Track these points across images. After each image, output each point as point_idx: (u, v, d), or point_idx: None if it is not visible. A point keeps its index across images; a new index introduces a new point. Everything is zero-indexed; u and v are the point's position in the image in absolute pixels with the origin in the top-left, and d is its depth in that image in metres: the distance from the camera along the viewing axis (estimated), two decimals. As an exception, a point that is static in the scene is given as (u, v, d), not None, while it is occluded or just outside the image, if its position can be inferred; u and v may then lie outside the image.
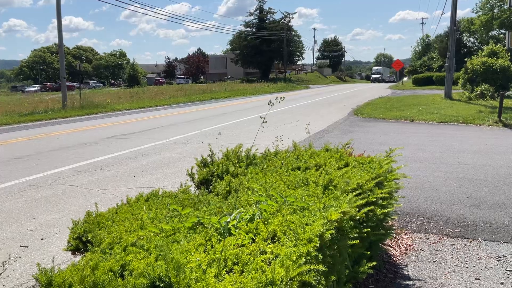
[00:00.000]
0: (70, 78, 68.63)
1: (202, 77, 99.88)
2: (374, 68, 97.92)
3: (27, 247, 4.24)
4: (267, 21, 77.59)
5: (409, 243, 4.45)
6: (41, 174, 7.32)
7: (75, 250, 2.43)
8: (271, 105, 3.28)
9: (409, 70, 69.66)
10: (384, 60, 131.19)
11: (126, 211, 2.60)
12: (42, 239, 4.45)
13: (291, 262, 1.75)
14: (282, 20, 77.59)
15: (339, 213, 2.21)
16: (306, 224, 2.15)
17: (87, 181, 6.81)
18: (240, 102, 27.99)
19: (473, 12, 36.57)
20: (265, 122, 3.85)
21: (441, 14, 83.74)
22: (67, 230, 4.63)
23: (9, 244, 4.32)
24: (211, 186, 3.48)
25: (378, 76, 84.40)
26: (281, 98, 3.60)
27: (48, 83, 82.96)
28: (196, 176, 3.70)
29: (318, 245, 1.93)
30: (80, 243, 2.37)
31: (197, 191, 3.56)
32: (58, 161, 8.54)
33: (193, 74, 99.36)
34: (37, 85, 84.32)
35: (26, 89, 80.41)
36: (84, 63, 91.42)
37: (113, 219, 2.45)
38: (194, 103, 28.95)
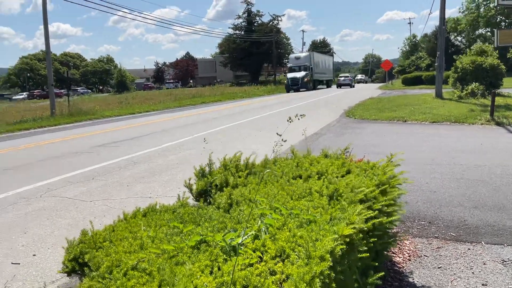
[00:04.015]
0: (58, 85, 67.97)
1: (191, 81, 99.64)
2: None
3: (19, 263, 4.08)
4: (255, 24, 77.69)
5: (412, 248, 4.37)
6: (31, 186, 7.14)
7: (71, 272, 2.30)
8: (290, 121, 3.21)
9: (398, 70, 69.80)
10: (372, 61, 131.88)
11: (124, 228, 2.48)
12: (34, 255, 4.29)
13: (305, 284, 1.64)
14: (271, 23, 77.72)
15: (351, 228, 2.11)
16: (316, 240, 2.05)
17: (79, 192, 6.64)
18: (231, 105, 27.88)
19: (460, 12, 36.93)
20: (291, 121, 3.70)
21: (429, 14, 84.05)
22: (60, 245, 4.48)
23: (0, 261, 4.16)
24: (210, 198, 3.36)
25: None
26: (301, 115, 3.52)
27: (35, 91, 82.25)
28: (194, 187, 3.58)
29: (331, 263, 1.83)
30: (76, 265, 2.24)
31: (195, 203, 3.44)
32: (48, 171, 8.35)
33: (182, 78, 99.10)
34: (24, 93, 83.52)
35: (14, 97, 79.57)
36: (72, 69, 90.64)
37: (110, 238, 2.33)
38: (184, 108, 28.76)
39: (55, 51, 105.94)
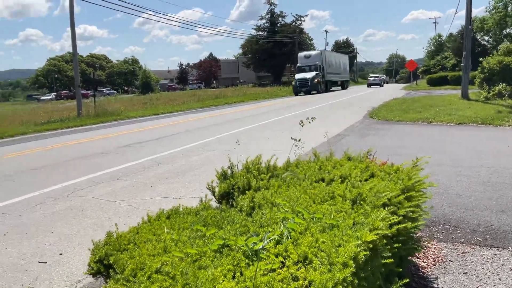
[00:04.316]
0: (84, 86, 69.38)
1: (214, 82, 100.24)
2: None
3: (45, 263, 4.18)
4: (278, 25, 77.67)
5: (436, 253, 4.30)
6: (58, 186, 7.31)
7: (96, 274, 2.35)
8: (302, 125, 3.18)
9: (423, 70, 68.61)
10: (397, 61, 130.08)
11: (148, 230, 2.52)
12: (61, 254, 4.39)
13: (327, 291, 1.64)
14: (294, 23, 77.58)
15: (375, 234, 2.09)
16: (339, 245, 2.04)
17: (104, 192, 6.77)
18: (253, 106, 27.92)
19: (486, 11, 36.07)
20: (301, 129, 3.59)
21: (455, 13, 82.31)
22: (85, 244, 4.58)
23: (27, 260, 4.27)
24: (232, 200, 3.38)
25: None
26: (311, 118, 3.49)
27: (63, 92, 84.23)
28: (217, 190, 3.61)
29: (354, 270, 1.82)
30: (101, 267, 2.29)
31: (218, 205, 3.47)
32: (75, 171, 8.53)
33: (206, 79, 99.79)
34: (52, 94, 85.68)
35: (41, 98, 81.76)
36: (98, 71, 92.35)
37: (134, 240, 2.37)
38: (207, 109, 28.97)
39: (81, 53, 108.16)
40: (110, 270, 2.13)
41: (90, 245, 4.42)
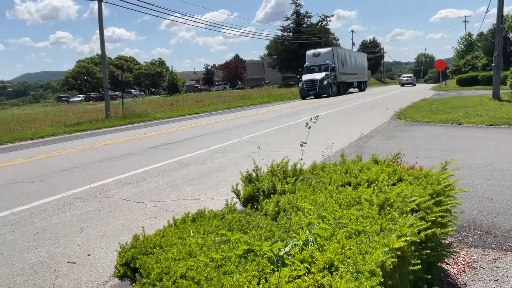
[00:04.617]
0: (112, 87, 70.65)
1: (240, 83, 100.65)
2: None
3: (74, 263, 4.26)
4: (304, 25, 77.43)
5: (467, 259, 4.18)
6: (87, 187, 7.45)
7: (122, 277, 2.37)
8: (309, 127, 3.12)
9: (452, 70, 67.16)
10: (425, 60, 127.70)
11: (173, 234, 2.53)
12: (89, 254, 4.47)
13: (354, 300, 1.61)
14: (319, 24, 77.19)
15: (402, 241, 2.05)
16: (366, 252, 2.00)
17: (132, 193, 6.86)
18: (279, 107, 27.88)
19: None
20: (309, 127, 3.48)
21: (486, 12, 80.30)
22: (113, 245, 4.65)
23: (57, 260, 4.37)
24: (257, 204, 3.37)
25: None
26: (315, 117, 3.40)
27: (92, 93, 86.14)
28: (242, 193, 3.60)
29: (382, 279, 1.78)
30: (128, 270, 2.31)
31: (243, 208, 3.46)
32: (103, 172, 8.69)
33: (231, 80, 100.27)
34: (81, 95, 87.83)
35: (71, 99, 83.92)
36: (125, 72, 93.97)
37: (160, 244, 2.38)
38: (233, 110, 29.08)
39: (110, 55, 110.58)
40: (136, 274, 2.15)
41: (117, 246, 4.49)
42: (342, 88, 42.51)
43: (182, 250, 2.22)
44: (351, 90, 47.93)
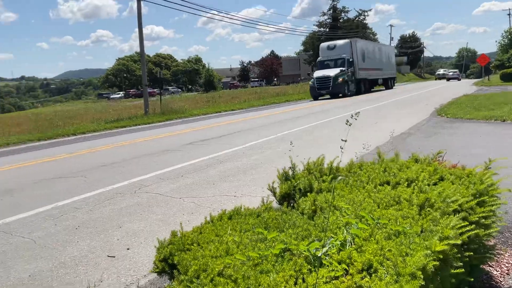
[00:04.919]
0: (150, 84, 72.11)
1: (275, 79, 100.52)
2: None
3: (114, 257, 4.37)
4: (341, 20, 76.45)
5: (511, 262, 4.01)
6: (126, 182, 7.63)
7: (161, 272, 2.41)
8: (349, 124, 3.04)
9: (496, 64, 64.57)
10: (467, 55, 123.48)
11: (210, 231, 2.55)
12: (128, 249, 4.57)
13: (394, 304, 1.57)
14: (357, 18, 75.97)
15: (445, 244, 1.98)
16: (406, 254, 1.94)
17: (169, 189, 6.97)
18: (314, 103, 27.65)
19: None
20: (350, 124, 3.32)
21: (532, 3, 76.41)
22: (151, 240, 4.75)
23: (97, 253, 4.49)
24: (293, 202, 3.35)
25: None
26: (356, 114, 3.30)
27: (131, 90, 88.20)
28: (278, 191, 3.59)
29: (423, 282, 1.73)
30: (166, 266, 2.35)
31: (279, 206, 3.45)
32: (142, 168, 8.88)
33: (267, 76, 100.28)
34: (121, 92, 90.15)
35: (111, 96, 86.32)
36: (163, 70, 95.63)
37: (198, 240, 2.40)
38: (268, 107, 29.09)
39: (148, 53, 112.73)
40: (174, 270, 2.18)
41: (155, 241, 4.57)
42: (363, 86, 37.29)
43: (219, 247, 2.23)
44: (376, 87, 43.30)
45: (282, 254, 2.11)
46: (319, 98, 32.52)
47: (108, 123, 22.20)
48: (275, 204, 3.50)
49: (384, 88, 44.01)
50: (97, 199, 6.65)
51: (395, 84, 49.72)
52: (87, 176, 8.50)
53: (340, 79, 32.07)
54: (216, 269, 1.96)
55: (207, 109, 29.26)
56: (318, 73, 33.16)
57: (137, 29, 26.64)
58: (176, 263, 2.21)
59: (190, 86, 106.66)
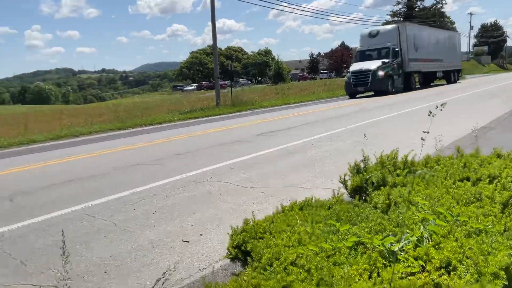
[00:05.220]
0: (222, 77, 73.70)
1: (345, 71, 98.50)
2: None
3: (188, 242, 4.55)
4: (416, 9, 73.19)
5: None
6: (199, 170, 7.89)
7: (234, 259, 2.49)
8: (433, 115, 2.90)
9: None
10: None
11: (282, 221, 2.59)
12: (201, 234, 4.74)
13: (474, 303, 1.51)
14: (433, 7, 72.35)
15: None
16: (488, 253, 1.86)
17: (239, 179, 7.12)
18: (387, 96, 26.75)
19: None
20: (433, 115, 3.06)
21: None
22: (222, 227, 4.89)
23: (172, 238, 4.70)
24: (365, 195, 3.30)
25: None
26: (442, 105, 3.14)
27: (203, 82, 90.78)
28: (349, 183, 3.55)
29: (506, 282, 1.64)
30: (239, 253, 2.42)
31: (350, 199, 3.42)
32: (214, 158, 9.13)
33: (337, 68, 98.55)
34: (194, 84, 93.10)
35: (185, 88, 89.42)
36: (234, 62, 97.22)
37: (270, 229, 2.45)
38: (338, 99, 28.64)
39: (220, 46, 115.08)
40: (248, 257, 2.24)
41: (227, 228, 4.69)
42: (414, 80, 31.81)
43: (291, 237, 2.26)
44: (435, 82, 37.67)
45: (355, 247, 2.10)
46: (356, 96, 27.73)
47: (182, 114, 23.05)
48: (345, 197, 3.47)
49: (446, 82, 37.87)
50: (172, 186, 6.94)
51: (463, 77, 43.32)
52: (163, 164, 8.90)
53: (381, 73, 26.41)
54: (290, 258, 1.99)
55: (276, 101, 29.39)
56: (355, 67, 27.97)
57: (209, 23, 27.36)
58: (249, 250, 2.27)
59: (259, 78, 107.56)
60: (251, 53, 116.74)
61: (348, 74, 28.01)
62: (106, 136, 16.35)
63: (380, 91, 26.67)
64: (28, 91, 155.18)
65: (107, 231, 5.08)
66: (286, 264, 1.96)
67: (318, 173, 7.23)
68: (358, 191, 3.49)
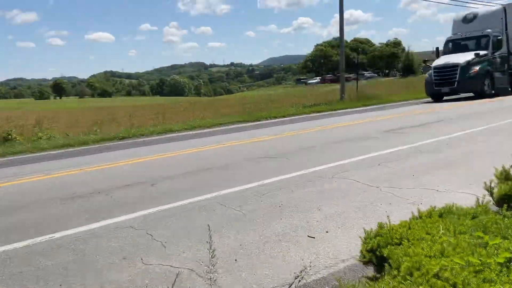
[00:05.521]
0: (347, 70, 72.50)
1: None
2: None
3: (314, 238, 4.57)
4: None
5: None
6: (324, 166, 7.87)
7: (367, 262, 2.43)
8: None
9: None
10: None
11: (420, 227, 2.45)
12: (327, 231, 4.72)
13: None
14: None
15: None
16: None
17: (366, 176, 6.93)
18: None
19: None
20: None
21: None
22: (348, 226, 4.81)
23: (298, 232, 4.75)
24: (516, 206, 2.97)
25: None
26: None
27: (327, 76, 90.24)
28: (495, 191, 3.23)
29: None
30: (373, 257, 2.35)
31: (496, 208, 3.11)
32: (339, 153, 9.03)
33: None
34: (317, 78, 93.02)
35: (309, 82, 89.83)
36: (360, 54, 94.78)
37: (407, 236, 2.34)
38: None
39: (346, 37, 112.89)
40: (386, 264, 2.17)
41: (352, 227, 4.64)
42: None
43: (432, 247, 2.13)
44: None
45: (508, 264, 1.90)
46: (441, 99, 21.82)
47: (305, 108, 23.23)
48: (492, 206, 3.17)
49: None
50: (297, 180, 7.03)
51: None
52: (289, 157, 9.06)
53: (475, 69, 20.11)
54: (433, 270, 1.88)
55: (405, 95, 28.00)
56: (439, 61, 21.89)
57: (336, 14, 26.98)
58: (386, 256, 2.20)
59: (387, 71, 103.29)
60: (379, 45, 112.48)
61: (430, 71, 22.12)
62: (234, 128, 17.20)
63: (473, 92, 20.96)
64: (166, 84, 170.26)
65: (236, 220, 5.32)
66: (428, 276, 1.85)
67: (453, 175, 6.72)
68: (506, 200, 3.15)
